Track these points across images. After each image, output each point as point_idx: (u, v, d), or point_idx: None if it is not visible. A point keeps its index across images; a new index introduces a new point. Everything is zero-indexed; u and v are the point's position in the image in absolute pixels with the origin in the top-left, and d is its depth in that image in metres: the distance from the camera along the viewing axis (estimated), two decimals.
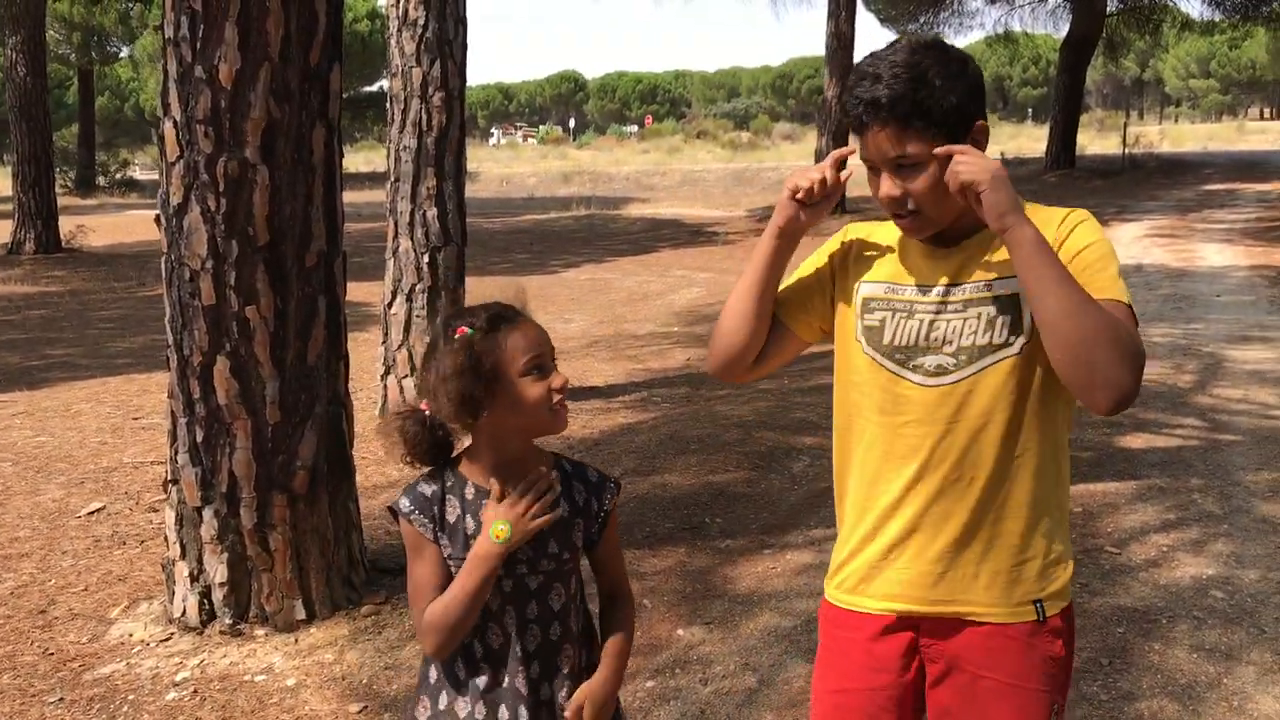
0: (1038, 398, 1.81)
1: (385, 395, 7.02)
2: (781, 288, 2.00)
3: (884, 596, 1.91)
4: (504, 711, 1.88)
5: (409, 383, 6.87)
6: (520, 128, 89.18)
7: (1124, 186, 25.95)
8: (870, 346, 1.90)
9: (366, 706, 3.43)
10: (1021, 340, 1.79)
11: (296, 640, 3.88)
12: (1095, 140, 37.08)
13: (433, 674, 1.93)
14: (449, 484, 1.89)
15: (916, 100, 1.73)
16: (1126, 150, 30.66)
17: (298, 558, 3.97)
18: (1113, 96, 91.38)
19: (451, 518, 1.87)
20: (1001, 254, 1.80)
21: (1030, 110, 74.81)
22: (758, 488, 5.57)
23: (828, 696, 2.00)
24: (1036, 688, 1.86)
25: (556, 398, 1.85)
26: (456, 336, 1.81)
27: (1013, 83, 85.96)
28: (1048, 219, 1.83)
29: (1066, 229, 1.82)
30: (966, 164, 1.73)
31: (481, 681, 1.89)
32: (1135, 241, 16.38)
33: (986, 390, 1.81)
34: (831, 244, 2.02)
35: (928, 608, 1.87)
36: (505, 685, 1.88)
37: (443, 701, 1.90)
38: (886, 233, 1.97)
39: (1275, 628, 3.86)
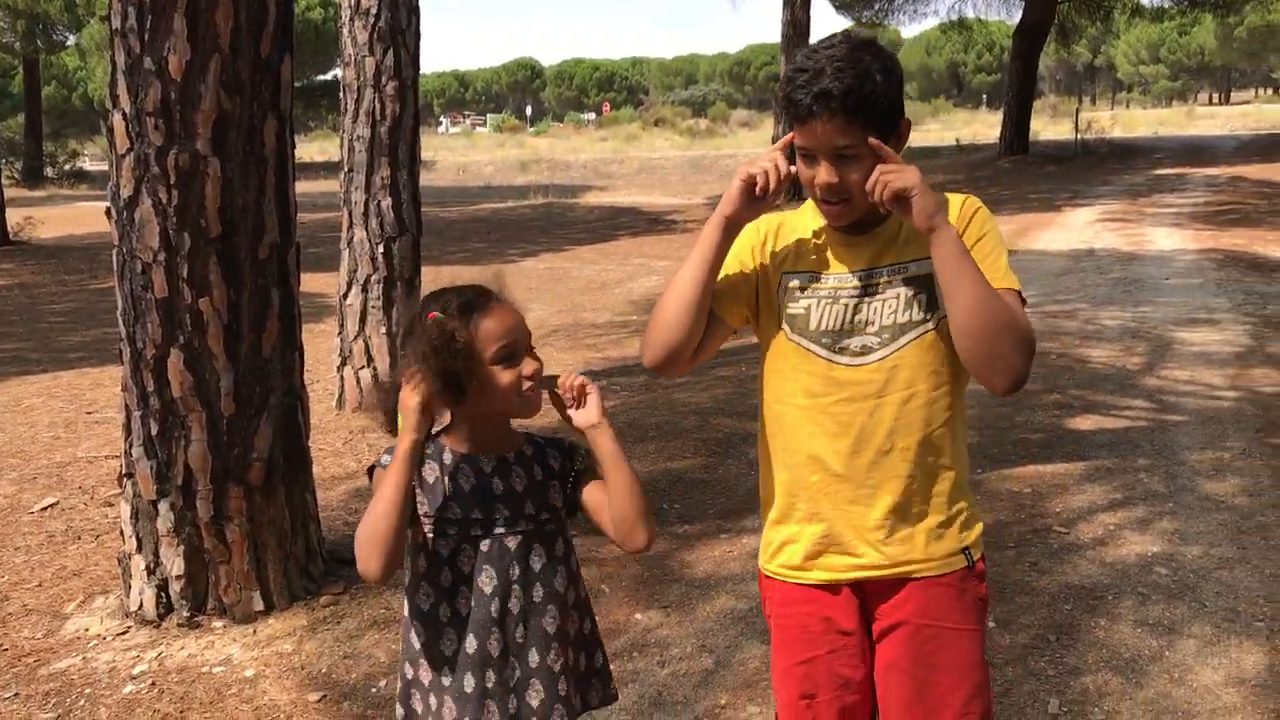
0: (951, 367, 1.97)
1: (342, 386, 7.00)
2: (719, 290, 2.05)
3: (832, 569, 2.02)
4: (468, 680, 1.90)
5: (365, 374, 6.86)
6: (469, 116, 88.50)
7: (1076, 172, 26.28)
8: (796, 333, 2.00)
9: (326, 695, 3.45)
10: (937, 315, 1.95)
11: (255, 631, 3.89)
12: (1049, 126, 37.50)
13: (414, 640, 1.95)
14: (429, 450, 1.95)
15: (863, 95, 1.83)
16: (1079, 136, 31.03)
17: (255, 549, 3.97)
18: (1066, 82, 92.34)
19: (430, 478, 1.94)
20: (911, 238, 1.94)
21: (985, 96, 75.48)
22: (715, 473, 5.62)
23: (795, 670, 2.08)
24: (972, 627, 2.04)
25: (527, 384, 1.90)
26: (428, 321, 1.86)
27: (967, 69, 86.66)
28: (950, 205, 1.96)
29: (964, 218, 1.96)
30: (896, 173, 1.85)
31: (449, 648, 1.91)
32: (1087, 226, 16.60)
33: (908, 364, 1.95)
34: (750, 234, 2.07)
35: (873, 573, 2.00)
36: (473, 652, 1.90)
37: (423, 672, 1.94)
38: (800, 222, 2.06)
39: (1216, 602, 3.97)
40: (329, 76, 42.35)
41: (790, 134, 1.95)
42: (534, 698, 1.92)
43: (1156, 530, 4.66)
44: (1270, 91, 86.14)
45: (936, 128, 46.98)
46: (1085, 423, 6.29)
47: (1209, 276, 11.85)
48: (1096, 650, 3.63)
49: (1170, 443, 5.88)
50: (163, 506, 3.89)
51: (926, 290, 1.94)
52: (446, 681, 1.91)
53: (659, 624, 3.94)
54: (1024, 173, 26.12)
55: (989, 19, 39.20)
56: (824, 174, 1.89)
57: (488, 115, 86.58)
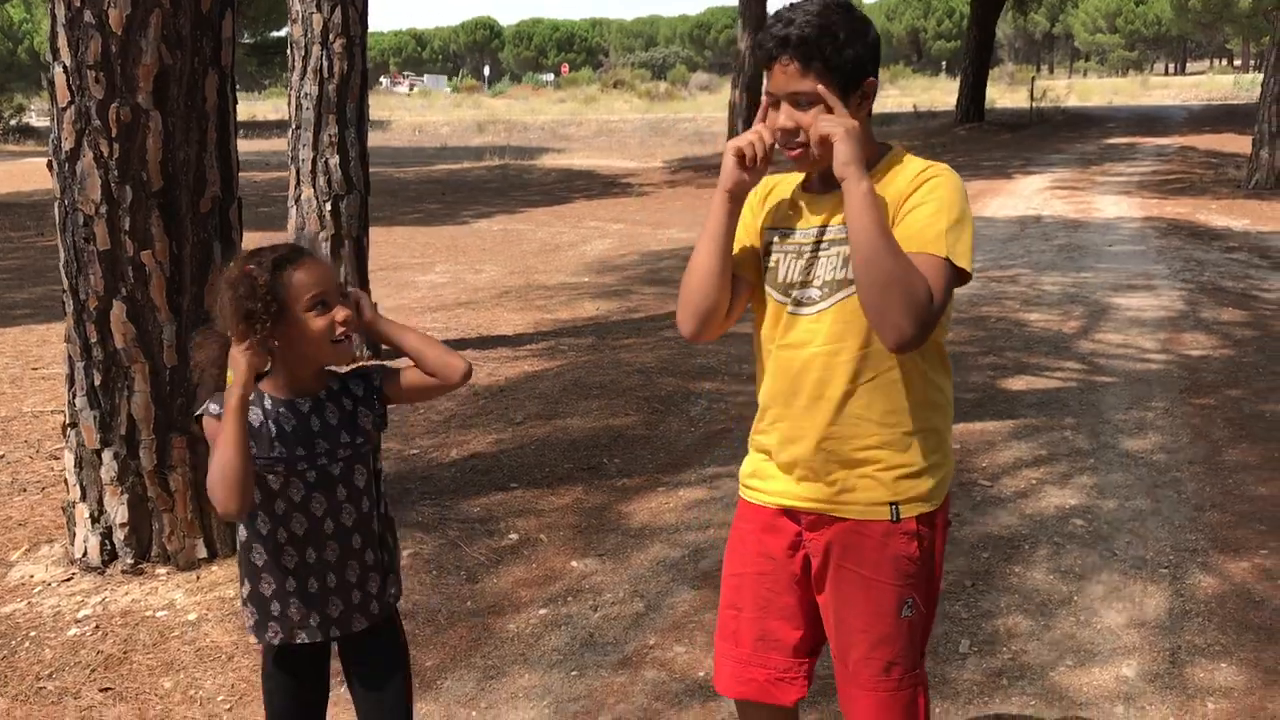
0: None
1: None
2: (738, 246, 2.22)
3: (772, 493, 2.21)
4: (313, 584, 2.18)
5: None
6: (408, 76, 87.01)
7: (1030, 140, 26.56)
8: (769, 285, 2.17)
9: None
10: None
11: (198, 577, 3.98)
12: (1006, 94, 37.74)
13: (255, 558, 2.18)
14: (251, 398, 2.08)
15: (820, 44, 1.97)
16: (1034, 104, 31.32)
17: (198, 498, 4.04)
18: (1024, 51, 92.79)
19: (255, 423, 2.11)
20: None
21: (944, 64, 75.66)
22: (656, 430, 5.75)
23: (729, 579, 2.30)
24: (888, 581, 2.13)
25: (339, 330, 2.09)
26: (241, 274, 2.03)
27: (927, 35, 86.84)
28: (910, 170, 2.07)
29: (918, 182, 2.05)
30: (826, 119, 1.99)
31: (291, 562, 2.16)
32: (1037, 193, 16.84)
33: (841, 319, 2.06)
34: (751, 197, 2.22)
35: (803, 504, 2.16)
36: (314, 561, 2.17)
37: (263, 585, 2.18)
38: (788, 182, 2.22)
39: (1126, 550, 4.16)
40: (282, 33, 41.79)
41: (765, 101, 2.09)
42: (355, 596, 2.21)
43: (1076, 484, 4.85)
44: (1224, 62, 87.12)
45: (895, 94, 47.14)
46: (1018, 383, 6.48)
47: (1151, 244, 12.11)
48: (1009, 595, 3.81)
49: (1097, 402, 6.08)
50: (106, 456, 3.96)
51: None
52: (291, 587, 2.16)
53: (594, 571, 4.08)
54: (979, 140, 26.36)
55: None
56: (782, 118, 2.03)
57: (425, 76, 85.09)
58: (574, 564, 4.14)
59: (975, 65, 29.33)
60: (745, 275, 2.20)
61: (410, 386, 2.24)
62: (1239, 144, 20.10)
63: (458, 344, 7.81)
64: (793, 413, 2.13)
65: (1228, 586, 3.87)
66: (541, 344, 7.84)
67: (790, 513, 2.19)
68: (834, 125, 1.97)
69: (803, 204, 2.14)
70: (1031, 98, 31.54)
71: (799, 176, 2.19)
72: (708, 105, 40.29)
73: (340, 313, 2.09)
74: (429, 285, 10.46)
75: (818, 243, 2.10)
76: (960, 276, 2.00)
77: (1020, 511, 4.54)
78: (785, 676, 2.24)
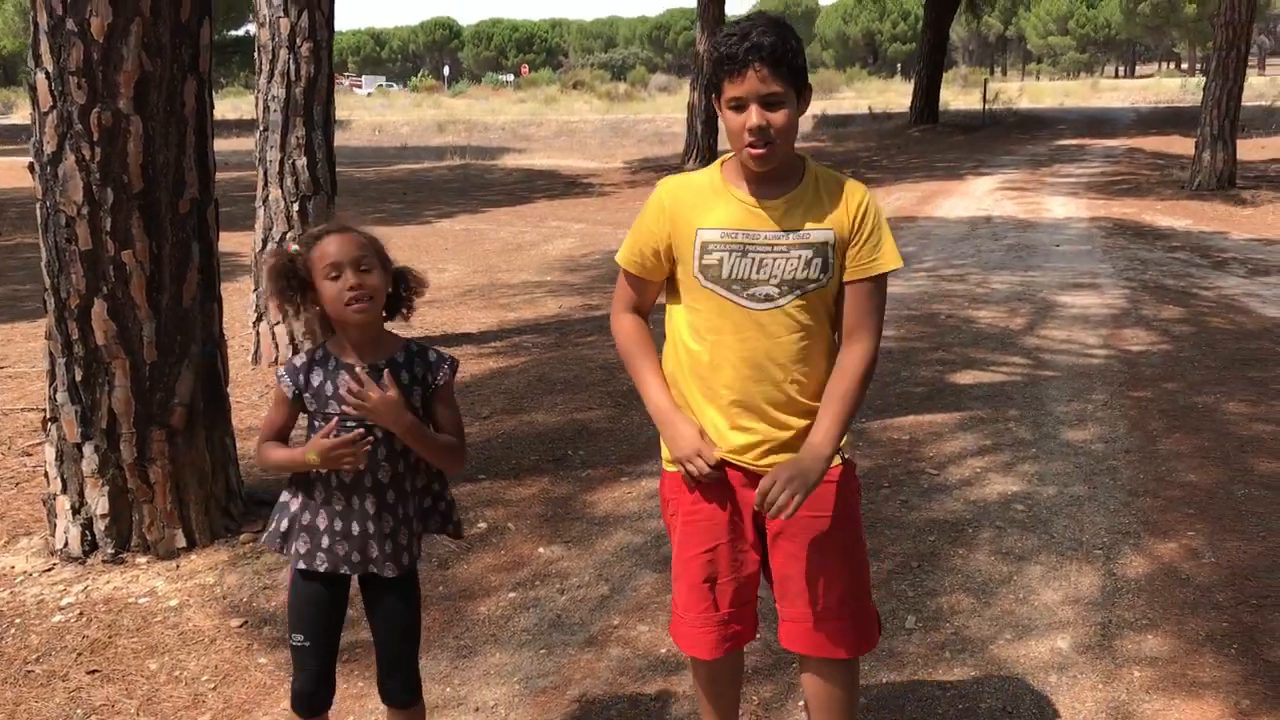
0: (831, 318, 2.44)
1: (258, 342, 7.17)
2: (631, 253, 2.49)
3: (737, 458, 2.45)
4: (355, 526, 2.46)
5: (280, 329, 7.03)
6: (349, 77, 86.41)
7: (982, 141, 27.04)
8: (709, 280, 2.38)
9: (246, 621, 3.71)
10: (828, 277, 2.38)
11: (178, 566, 4.12)
12: (959, 96, 38.30)
13: (293, 503, 2.46)
14: (318, 357, 2.45)
15: (785, 50, 2.24)
16: (987, 106, 31.85)
17: (177, 490, 4.19)
18: (978, 53, 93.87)
19: (316, 382, 2.43)
20: (811, 208, 2.36)
21: (899, 66, 76.43)
22: (619, 423, 5.94)
23: (698, 559, 2.52)
24: (851, 515, 2.51)
25: (348, 295, 2.34)
26: (275, 252, 2.40)
27: (883, 37, 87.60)
28: (842, 194, 2.39)
29: (855, 217, 2.38)
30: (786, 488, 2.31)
31: (338, 504, 2.46)
32: (988, 194, 17.21)
33: (800, 312, 2.38)
34: (656, 202, 2.45)
35: (761, 468, 2.43)
36: (357, 508, 2.45)
37: (306, 517, 2.44)
38: (702, 186, 2.43)
39: (1063, 534, 4.40)
40: (241, 32, 41.53)
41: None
42: (386, 546, 2.47)
43: (1018, 472, 5.10)
44: (1172, 66, 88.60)
45: (851, 96, 47.66)
46: (965, 377, 6.74)
47: (1097, 243, 12.46)
48: (953, 575, 4.04)
49: (1040, 395, 6.35)
50: (87, 449, 4.09)
51: (822, 256, 2.34)
52: (339, 526, 2.46)
53: (560, 557, 4.26)
54: (933, 141, 26.80)
55: None
56: (754, 117, 2.25)
57: (364, 77, 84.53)
58: (541, 550, 4.32)
59: (929, 67, 29.81)
60: (656, 280, 2.50)
61: (437, 425, 2.49)
62: (1184, 146, 20.60)
63: (423, 341, 7.96)
64: (750, 393, 2.40)
65: (1157, 566, 4.12)
66: (506, 341, 8.01)
67: (751, 478, 2.44)
68: (795, 489, 2.31)
69: (743, 206, 2.36)
70: (984, 100, 32.08)
71: (712, 178, 2.41)
72: (667, 106, 40.51)
73: (350, 279, 2.33)
74: None
75: (772, 245, 2.34)
76: None
77: (965, 498, 4.78)
78: (747, 625, 2.60)
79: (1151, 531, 4.43)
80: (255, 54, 7.06)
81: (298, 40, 6.81)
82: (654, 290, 2.53)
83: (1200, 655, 3.47)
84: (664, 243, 2.43)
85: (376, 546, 2.47)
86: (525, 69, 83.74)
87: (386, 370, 2.41)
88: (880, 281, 2.40)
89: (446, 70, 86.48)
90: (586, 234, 14.26)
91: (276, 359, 7.06)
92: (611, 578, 4.08)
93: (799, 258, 2.34)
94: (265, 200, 7.04)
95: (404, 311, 2.50)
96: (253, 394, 6.51)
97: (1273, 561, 4.13)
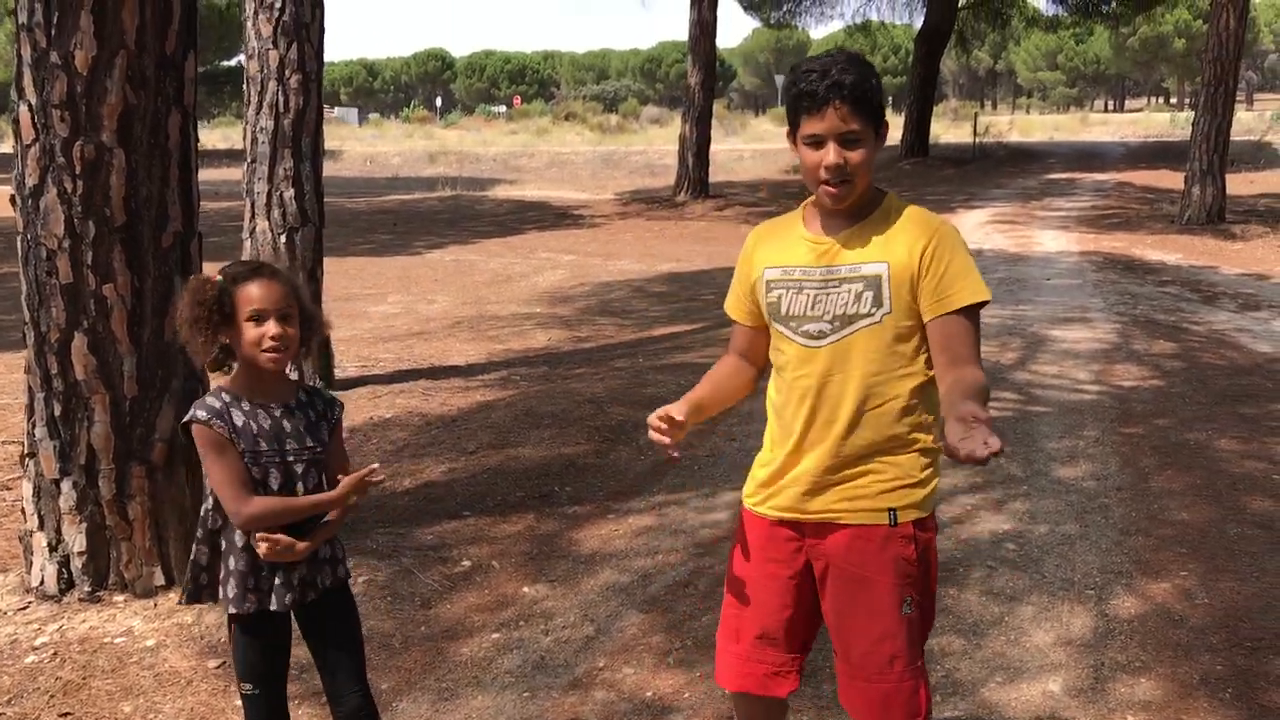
0: (891, 357, 2.32)
1: None
2: (731, 299, 2.57)
3: (778, 508, 2.45)
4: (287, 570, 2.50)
5: None
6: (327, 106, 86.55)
7: (973, 175, 27.16)
8: (772, 318, 2.43)
9: (225, 662, 3.63)
10: (882, 311, 2.31)
11: (155, 605, 4.05)
12: (950, 129, 38.52)
13: (238, 537, 2.46)
14: (227, 400, 2.45)
15: (866, 89, 2.25)
16: (977, 140, 32.01)
17: (156, 526, 4.12)
18: (968, 87, 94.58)
19: (239, 422, 2.43)
20: (869, 242, 2.32)
21: (890, 99, 76.91)
22: (606, 458, 5.89)
23: (734, 582, 2.54)
24: (889, 581, 2.36)
25: (267, 343, 2.38)
26: (199, 283, 2.42)
27: None
28: (911, 228, 2.32)
29: (930, 251, 2.28)
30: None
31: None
32: (978, 228, 17.26)
33: (852, 349, 2.33)
34: (746, 248, 2.53)
35: (808, 516, 2.41)
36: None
37: (244, 561, 2.47)
38: (781, 227, 2.49)
39: (1055, 573, 4.35)
40: (233, 63, 41.67)
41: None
42: (329, 565, 2.56)
43: (1009, 510, 5.05)
44: (1161, 100, 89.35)
45: None
46: None
47: (1088, 278, 12.49)
48: (944, 616, 3.98)
49: (1032, 431, 6.31)
50: (65, 485, 4.02)
51: (875, 289, 2.29)
52: (267, 563, 2.47)
53: (545, 596, 4.20)
54: (924, 175, 26.90)
55: (893, 23, 40.11)
56: (832, 155, 2.25)
57: (336, 109, 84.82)
58: (525, 590, 4.26)
59: (920, 101, 29.97)
60: (756, 326, 2.52)
61: (332, 459, 2.56)
62: (1174, 180, 20.71)
63: (410, 374, 7.92)
64: (804, 433, 2.38)
65: (1149, 607, 4.07)
66: (493, 374, 7.96)
67: (795, 523, 2.43)
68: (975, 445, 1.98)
69: (805, 243, 2.38)
70: (975, 133, 32.26)
71: (794, 219, 2.45)
72: (658, 138, 40.68)
73: (270, 329, 2.38)
74: (381, 316, 10.54)
75: (825, 281, 2.34)
76: None
77: (956, 537, 4.73)
78: (781, 671, 2.50)
79: (1144, 571, 4.38)
80: (244, 86, 7.04)
81: (286, 72, 6.80)
82: (758, 338, 2.53)
83: (1194, 700, 3.42)
84: (749, 286, 2.48)
85: (305, 575, 2.53)
86: (518, 100, 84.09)
87: (290, 440, 2.48)
88: (964, 316, 2.26)
89: (439, 101, 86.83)
90: (577, 265, 14.26)
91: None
92: (597, 618, 4.01)
93: (849, 291, 2.31)
94: (252, 232, 7.01)
95: (303, 351, 2.52)
96: None
97: (1267, 602, 4.09)
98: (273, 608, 2.47)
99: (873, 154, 2.28)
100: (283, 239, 6.92)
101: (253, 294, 2.38)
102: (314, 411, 2.55)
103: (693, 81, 21.93)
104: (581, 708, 3.39)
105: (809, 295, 2.34)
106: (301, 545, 2.43)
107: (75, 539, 4.05)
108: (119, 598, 4.08)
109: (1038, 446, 6.02)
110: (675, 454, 2.37)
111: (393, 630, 3.91)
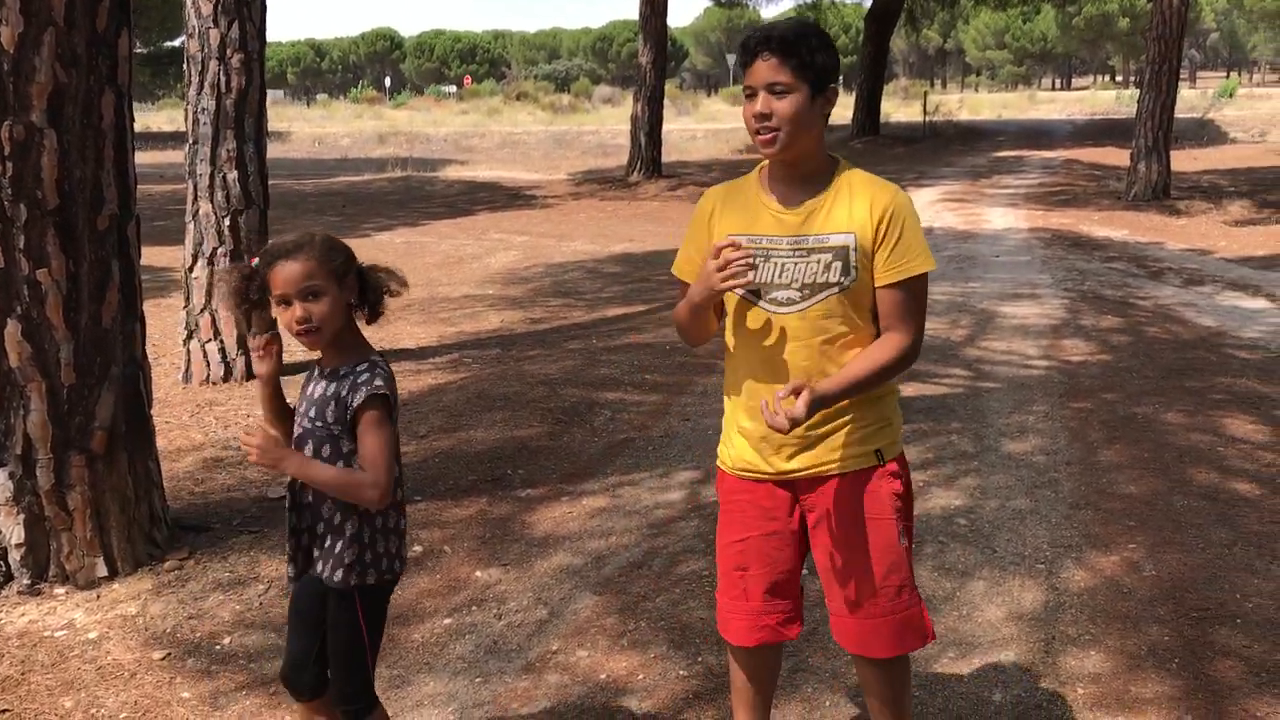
0: (857, 319, 2.46)
1: (188, 360, 6.98)
2: (682, 260, 2.61)
3: (769, 471, 2.54)
4: (305, 537, 2.53)
5: (212, 347, 6.86)
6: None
7: (923, 153, 27.31)
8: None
9: (170, 653, 3.56)
10: (849, 279, 2.41)
11: (98, 596, 3.96)
12: (900, 108, 38.72)
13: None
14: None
15: (796, 45, 2.33)
16: (927, 118, 32.20)
17: (98, 516, 4.03)
18: (918, 66, 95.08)
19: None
20: (834, 213, 2.41)
21: (841, 78, 77.16)
22: (560, 441, 5.85)
23: (731, 546, 2.63)
24: (888, 516, 2.52)
25: (294, 326, 2.37)
26: (238, 265, 2.45)
27: None
28: (869, 197, 2.42)
29: (883, 221, 2.40)
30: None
31: (293, 515, 2.53)
32: (929, 206, 17.34)
33: (822, 315, 2.43)
34: (701, 212, 2.59)
35: (800, 473, 2.51)
36: (300, 514, 2.51)
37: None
38: (740, 193, 2.54)
39: (1005, 548, 4.38)
40: (176, 43, 40.92)
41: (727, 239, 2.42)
42: (347, 556, 2.46)
43: (960, 486, 5.08)
44: (1107, 78, 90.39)
45: None
46: (907, 390, 6.71)
47: (1036, 254, 12.59)
48: None
49: (982, 407, 6.35)
50: (1, 476, 3.92)
51: (842, 259, 2.39)
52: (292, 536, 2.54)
53: (498, 580, 4.16)
54: (875, 153, 26.98)
55: (843, 2, 40.18)
56: (759, 104, 2.35)
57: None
58: (478, 574, 4.22)
59: (870, 80, 30.05)
60: None
61: (359, 456, 2.42)
62: (1119, 157, 20.93)
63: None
64: (761, 395, 2.45)
65: (1098, 580, 4.11)
66: (445, 357, 7.88)
67: (788, 482, 2.54)
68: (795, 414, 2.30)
69: (769, 213, 2.46)
70: (925, 112, 32.45)
71: (750, 183, 2.52)
72: (611, 118, 40.53)
73: (297, 310, 2.35)
74: None
75: (793, 250, 2.42)
76: None
77: None
78: (791, 616, 2.65)
79: (1093, 544, 4.42)
80: (185, 65, 6.89)
81: (228, 51, 6.66)
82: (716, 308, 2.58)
83: (1142, 671, 3.45)
84: (709, 248, 2.50)
85: (320, 546, 2.50)
86: (468, 80, 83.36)
87: (303, 403, 2.48)
88: (912, 284, 2.43)
89: (388, 81, 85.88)
90: (530, 246, 14.16)
91: (209, 377, 6.88)
92: (550, 601, 3.98)
93: (819, 261, 2.40)
94: (196, 215, 6.87)
95: (367, 311, 2.49)
96: (183, 414, 6.33)
97: (1211, 574, 4.14)
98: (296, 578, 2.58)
99: (805, 108, 2.34)
100: (227, 221, 6.79)
101: (275, 278, 2.36)
102: (334, 388, 2.41)
103: (644, 61, 21.82)
104: (535, 691, 3.37)
105: (776, 264, 2.42)
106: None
107: (13, 531, 3.95)
108: (60, 590, 3.99)
109: (988, 422, 6.06)
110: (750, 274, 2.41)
111: None
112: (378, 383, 2.39)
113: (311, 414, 2.43)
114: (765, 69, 2.33)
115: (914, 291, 2.43)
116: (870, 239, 2.39)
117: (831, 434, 2.48)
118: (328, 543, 2.46)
